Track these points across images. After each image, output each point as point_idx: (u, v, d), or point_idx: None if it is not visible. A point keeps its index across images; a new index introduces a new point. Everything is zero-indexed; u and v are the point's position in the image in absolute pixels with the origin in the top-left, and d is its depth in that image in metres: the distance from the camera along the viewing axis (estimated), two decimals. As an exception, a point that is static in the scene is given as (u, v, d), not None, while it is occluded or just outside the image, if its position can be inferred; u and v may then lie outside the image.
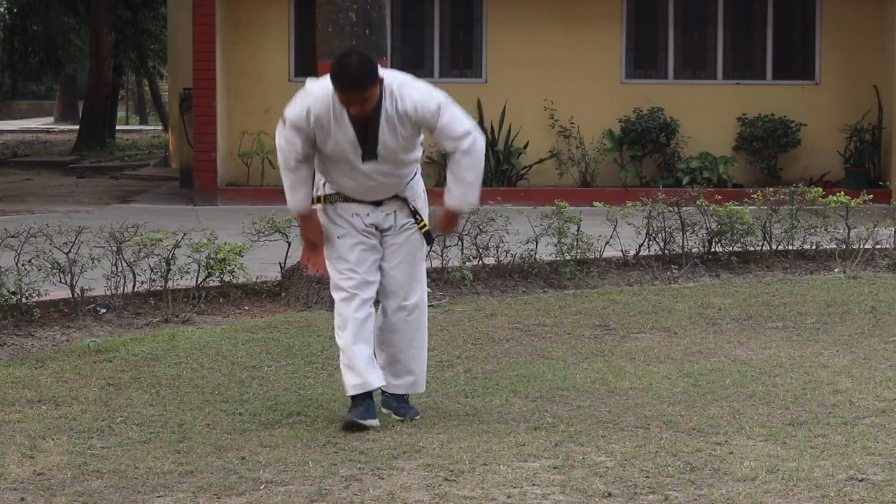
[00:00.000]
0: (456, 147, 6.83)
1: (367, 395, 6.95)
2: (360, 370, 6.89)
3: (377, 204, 7.03)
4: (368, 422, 6.84)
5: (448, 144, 6.84)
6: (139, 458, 6.32)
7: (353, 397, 6.96)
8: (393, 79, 6.82)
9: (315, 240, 7.02)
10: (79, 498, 5.76)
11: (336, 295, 6.99)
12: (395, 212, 7.06)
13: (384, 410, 7.15)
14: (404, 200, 7.06)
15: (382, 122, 6.78)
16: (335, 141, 6.81)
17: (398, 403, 7.13)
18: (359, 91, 6.63)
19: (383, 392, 7.16)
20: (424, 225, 7.04)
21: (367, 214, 7.02)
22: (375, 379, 6.94)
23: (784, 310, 10.36)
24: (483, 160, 6.90)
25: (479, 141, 6.86)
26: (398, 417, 7.05)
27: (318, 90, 6.80)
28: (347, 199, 7.01)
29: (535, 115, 20.12)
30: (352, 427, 6.81)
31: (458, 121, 6.83)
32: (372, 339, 7.01)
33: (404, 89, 6.79)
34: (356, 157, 6.85)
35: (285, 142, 6.88)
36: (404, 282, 7.06)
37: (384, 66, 11.12)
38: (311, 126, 6.79)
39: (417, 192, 7.13)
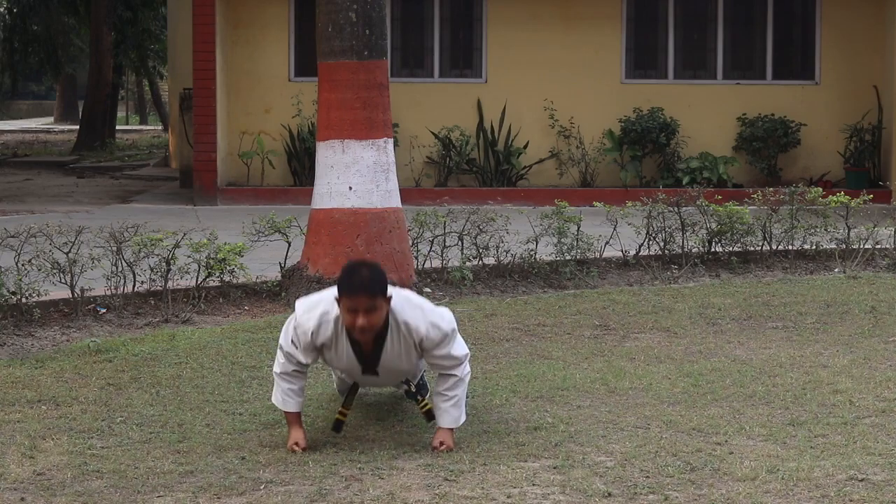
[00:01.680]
0: (448, 373, 6.63)
1: None
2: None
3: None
4: None
5: (441, 369, 6.65)
6: (139, 458, 6.32)
7: None
8: (401, 309, 6.51)
9: (299, 445, 6.62)
10: (79, 498, 5.75)
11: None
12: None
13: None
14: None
15: (387, 348, 6.54)
16: (339, 358, 6.62)
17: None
18: (366, 297, 6.32)
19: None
20: (426, 404, 6.82)
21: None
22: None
23: (784, 310, 10.36)
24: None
25: (468, 368, 6.71)
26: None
27: (324, 314, 6.51)
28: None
29: (535, 115, 20.12)
30: None
31: (456, 351, 6.63)
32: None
33: (411, 322, 6.50)
34: (357, 370, 6.69)
35: (287, 360, 6.63)
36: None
37: (384, 66, 11.16)
38: (316, 348, 6.58)
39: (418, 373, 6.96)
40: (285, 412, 6.68)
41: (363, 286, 6.31)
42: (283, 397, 6.67)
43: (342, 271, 6.45)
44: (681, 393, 7.67)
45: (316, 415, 7.18)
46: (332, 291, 6.51)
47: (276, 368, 6.69)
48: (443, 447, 6.51)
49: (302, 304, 6.61)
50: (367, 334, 6.42)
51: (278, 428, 6.89)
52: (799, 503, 5.66)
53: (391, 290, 6.46)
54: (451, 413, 6.61)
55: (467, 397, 7.59)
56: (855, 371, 8.20)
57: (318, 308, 6.52)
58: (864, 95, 20.04)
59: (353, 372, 6.70)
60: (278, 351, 6.69)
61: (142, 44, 36.06)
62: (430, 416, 6.79)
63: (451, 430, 6.63)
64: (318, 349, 6.56)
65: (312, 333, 6.50)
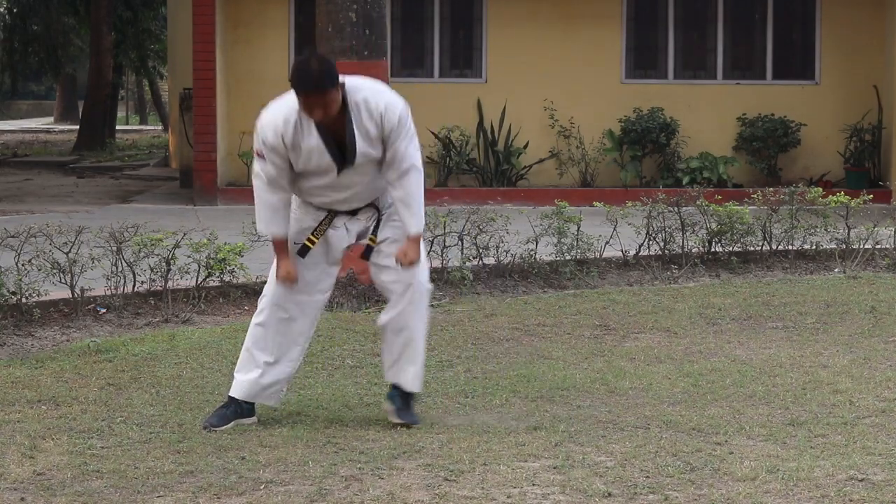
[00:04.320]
0: (403, 172, 6.80)
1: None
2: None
3: (353, 213, 6.97)
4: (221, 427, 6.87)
5: (394, 170, 6.79)
6: (139, 458, 6.32)
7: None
8: (354, 86, 6.72)
9: (290, 275, 6.82)
10: (79, 498, 5.75)
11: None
12: (366, 218, 7.00)
13: (387, 407, 7.08)
14: (376, 209, 6.98)
15: (356, 127, 6.68)
16: (308, 156, 6.70)
17: (403, 403, 7.06)
18: (320, 94, 6.54)
19: (392, 386, 7.10)
20: (373, 239, 6.94)
21: (341, 226, 6.96)
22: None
23: (784, 310, 10.35)
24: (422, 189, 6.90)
25: (421, 173, 6.88)
26: (397, 420, 6.99)
27: (279, 110, 6.69)
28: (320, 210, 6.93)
29: (535, 115, 20.12)
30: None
31: (413, 141, 6.80)
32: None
33: (370, 98, 6.69)
34: (332, 168, 6.74)
35: (263, 172, 6.73)
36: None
37: (384, 66, 11.16)
38: (286, 147, 6.67)
39: (386, 204, 7.03)
40: (272, 240, 6.77)
41: (312, 83, 6.52)
42: (267, 218, 6.76)
43: (293, 68, 6.64)
44: (681, 393, 7.67)
45: (316, 415, 7.19)
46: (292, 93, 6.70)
47: (258, 186, 6.77)
48: (406, 259, 6.69)
49: (265, 109, 6.75)
50: (327, 119, 6.60)
51: (278, 428, 6.90)
52: (799, 503, 5.66)
53: (343, 78, 6.63)
54: (417, 216, 6.82)
55: (467, 397, 7.60)
56: (855, 371, 8.20)
57: (280, 107, 6.68)
58: (864, 95, 20.04)
59: (329, 172, 6.75)
60: (254, 163, 6.78)
61: (142, 44, 36.06)
62: (368, 251, 6.96)
63: (417, 239, 6.79)
64: (287, 149, 6.65)
65: (280, 131, 6.64)
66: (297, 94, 6.59)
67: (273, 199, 6.78)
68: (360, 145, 6.71)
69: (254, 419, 7.02)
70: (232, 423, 6.91)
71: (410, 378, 7.04)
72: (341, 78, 6.64)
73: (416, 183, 6.85)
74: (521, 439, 6.63)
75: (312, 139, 6.68)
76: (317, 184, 6.82)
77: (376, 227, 6.97)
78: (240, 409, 6.98)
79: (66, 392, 7.67)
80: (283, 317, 6.95)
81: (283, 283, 6.78)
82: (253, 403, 7.04)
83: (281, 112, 6.70)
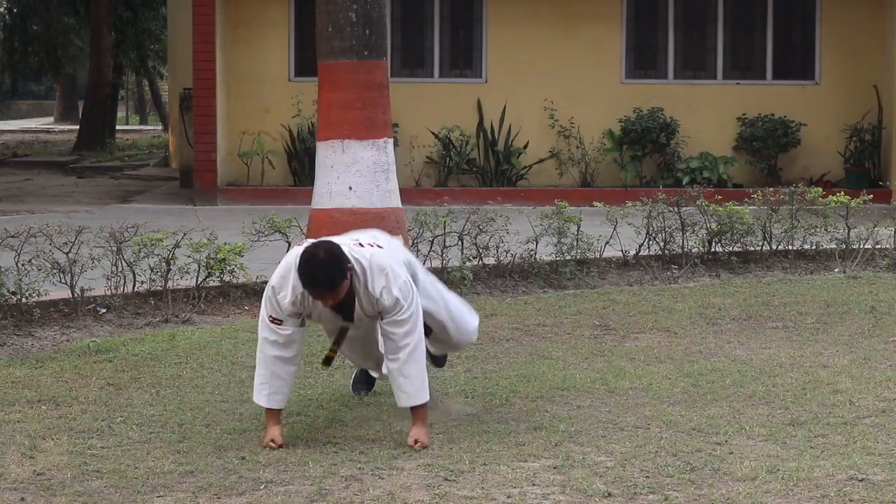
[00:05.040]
0: (393, 346, 6.68)
1: None
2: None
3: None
4: None
5: (387, 345, 6.73)
6: (139, 458, 6.32)
7: None
8: (361, 269, 6.60)
9: (275, 442, 6.64)
10: (79, 498, 5.75)
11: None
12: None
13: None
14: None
15: (357, 306, 6.67)
16: (318, 317, 6.78)
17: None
18: (330, 291, 6.48)
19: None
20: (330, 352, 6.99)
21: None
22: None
23: (784, 310, 10.36)
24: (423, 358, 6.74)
25: (417, 334, 6.69)
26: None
27: (289, 285, 6.60)
28: None
29: (535, 115, 20.12)
30: None
31: (403, 325, 6.66)
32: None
33: (371, 278, 6.60)
34: (339, 319, 6.83)
35: (278, 336, 6.67)
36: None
37: (384, 66, 11.16)
38: (301, 312, 6.68)
39: None
40: (266, 408, 6.70)
41: (321, 284, 6.47)
42: (268, 390, 6.69)
43: (300, 264, 6.50)
44: (681, 393, 7.67)
45: (316, 414, 7.19)
46: (290, 259, 6.63)
47: (268, 353, 6.69)
48: (417, 445, 6.54)
49: (275, 275, 6.69)
50: (334, 305, 6.61)
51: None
52: (799, 503, 5.66)
53: (354, 255, 6.56)
54: (402, 394, 6.65)
55: (467, 397, 7.60)
56: (855, 371, 8.20)
57: (288, 279, 6.61)
58: (864, 95, 20.04)
59: (335, 323, 6.86)
60: (261, 327, 6.72)
61: (142, 44, 36.05)
62: (327, 362, 7.02)
63: (424, 420, 6.63)
64: (299, 314, 6.67)
65: (288, 301, 6.61)
66: (305, 287, 6.52)
67: (278, 368, 6.69)
68: (361, 315, 6.73)
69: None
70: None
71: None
72: (348, 253, 6.54)
73: (405, 359, 6.65)
74: (521, 439, 6.63)
75: (318, 307, 6.68)
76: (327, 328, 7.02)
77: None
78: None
79: (66, 392, 7.67)
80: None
81: (266, 447, 6.66)
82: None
83: (290, 287, 6.59)
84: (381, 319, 6.67)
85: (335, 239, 6.74)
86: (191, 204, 19.03)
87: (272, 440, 6.60)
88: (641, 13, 20.54)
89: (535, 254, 11.83)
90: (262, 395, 6.73)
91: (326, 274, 6.46)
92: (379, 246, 6.74)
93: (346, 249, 6.58)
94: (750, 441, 6.61)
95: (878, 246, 12.73)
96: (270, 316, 6.67)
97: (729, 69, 20.52)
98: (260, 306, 6.78)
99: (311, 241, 6.69)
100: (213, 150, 19.19)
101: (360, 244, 6.69)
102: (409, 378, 6.63)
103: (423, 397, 6.64)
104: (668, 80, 20.47)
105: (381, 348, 6.97)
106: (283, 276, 6.65)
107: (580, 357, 8.70)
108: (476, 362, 8.54)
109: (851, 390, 7.67)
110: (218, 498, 5.76)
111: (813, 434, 6.73)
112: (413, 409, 6.66)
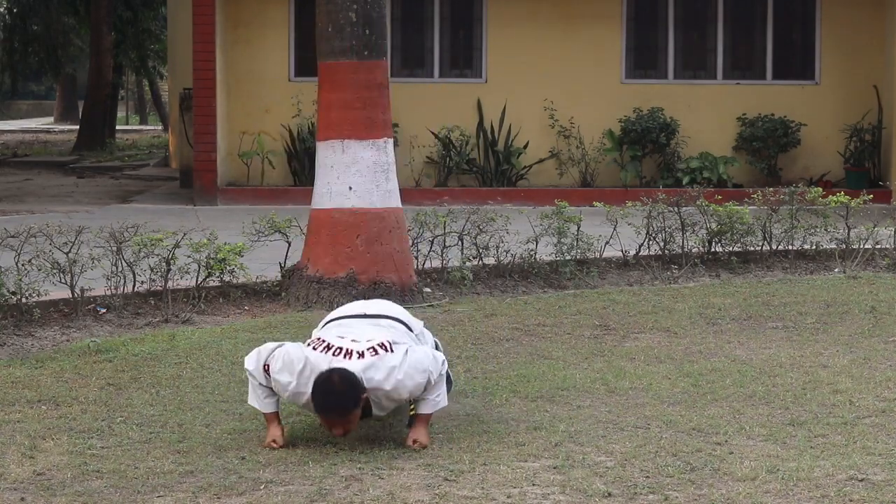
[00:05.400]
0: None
1: None
2: None
3: None
4: None
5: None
6: (139, 458, 6.32)
7: None
8: (373, 388, 6.52)
9: (277, 442, 6.66)
10: (79, 498, 5.75)
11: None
12: None
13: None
14: None
15: (373, 407, 6.63)
16: None
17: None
18: (340, 417, 6.45)
19: None
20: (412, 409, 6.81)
21: None
22: None
23: (784, 310, 10.35)
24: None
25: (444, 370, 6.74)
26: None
27: (300, 388, 6.54)
28: None
29: (535, 115, 20.12)
30: None
31: (435, 391, 6.68)
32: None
33: (393, 395, 6.55)
34: None
35: (267, 385, 6.66)
36: None
37: (384, 66, 11.16)
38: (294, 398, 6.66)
39: None
40: (266, 412, 6.71)
41: (335, 409, 6.42)
42: (261, 399, 6.70)
43: (314, 388, 6.42)
44: (681, 393, 7.67)
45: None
46: (304, 354, 6.54)
47: (255, 379, 6.68)
48: (416, 445, 6.52)
49: (281, 366, 6.58)
50: (346, 434, 6.54)
51: (278, 428, 6.89)
52: (799, 503, 5.66)
53: (366, 376, 6.43)
54: (427, 401, 6.64)
55: (467, 397, 7.61)
56: (855, 371, 8.20)
57: (298, 377, 6.52)
58: (864, 95, 20.04)
59: None
60: (250, 367, 6.70)
61: (142, 44, 36.05)
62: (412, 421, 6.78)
63: (426, 423, 6.63)
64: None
65: (289, 387, 6.56)
66: (320, 415, 6.50)
67: (268, 397, 6.71)
68: (377, 413, 6.70)
69: None
70: None
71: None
72: (361, 378, 6.45)
73: (435, 398, 6.70)
74: (521, 439, 6.63)
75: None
76: None
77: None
78: None
79: (66, 392, 7.67)
80: None
81: (268, 447, 6.67)
82: None
83: (301, 382, 6.54)
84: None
85: (341, 335, 6.63)
86: (191, 204, 19.03)
87: (273, 441, 6.61)
88: (641, 13, 20.54)
89: (535, 254, 11.83)
90: (257, 400, 6.74)
91: (339, 402, 6.39)
92: (392, 346, 6.59)
93: (360, 376, 6.43)
94: (750, 441, 6.61)
95: (878, 246, 12.73)
96: (266, 368, 6.64)
97: (729, 69, 20.52)
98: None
99: (320, 357, 6.54)
100: (213, 150, 19.20)
101: (375, 350, 6.53)
102: (437, 403, 6.69)
103: (442, 403, 6.68)
104: (668, 80, 20.48)
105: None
106: (290, 372, 6.56)
107: (580, 357, 8.70)
108: (476, 362, 8.54)
109: (851, 390, 7.66)
110: (218, 498, 5.76)
111: (813, 434, 6.72)
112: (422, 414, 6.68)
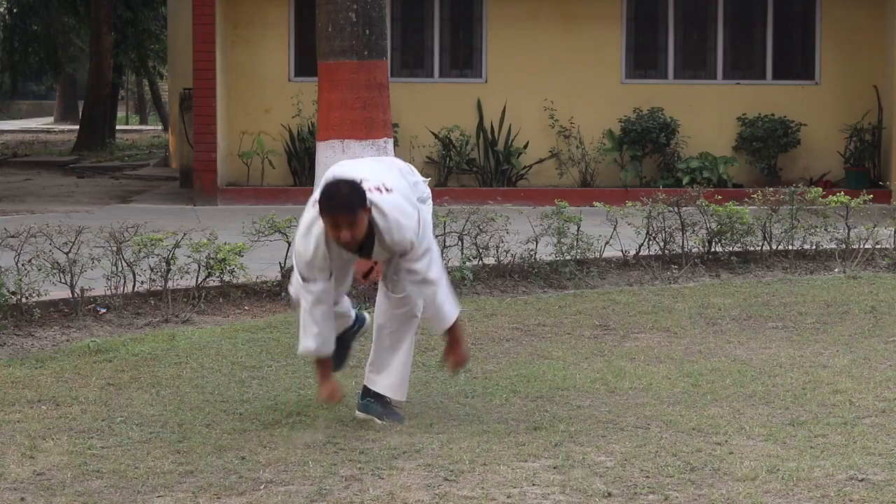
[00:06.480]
0: (420, 284, 6.86)
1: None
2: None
3: None
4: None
5: (411, 279, 6.88)
6: (139, 458, 6.32)
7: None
8: (379, 211, 6.69)
9: (334, 397, 6.84)
10: (79, 498, 5.76)
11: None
12: None
13: (360, 415, 7.09)
14: None
15: (376, 246, 6.78)
16: (338, 259, 6.83)
17: (383, 409, 7.09)
18: (349, 214, 6.55)
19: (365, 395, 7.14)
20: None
21: None
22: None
23: (784, 310, 10.36)
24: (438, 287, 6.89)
25: (436, 269, 6.88)
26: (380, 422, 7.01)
27: (310, 241, 6.72)
28: None
29: (535, 115, 20.12)
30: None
31: (424, 265, 6.84)
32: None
33: (391, 221, 6.71)
34: (354, 258, 6.93)
35: (310, 292, 6.78)
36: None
37: (384, 66, 11.16)
38: (326, 261, 6.76)
39: None
40: (318, 358, 6.80)
41: (342, 205, 6.56)
42: (319, 336, 6.78)
43: (322, 191, 6.65)
44: (681, 393, 7.67)
45: (316, 414, 7.18)
46: (316, 208, 6.70)
47: (304, 308, 6.80)
48: (458, 366, 6.86)
49: (296, 237, 6.83)
50: (352, 245, 6.65)
51: (278, 428, 6.90)
52: (799, 503, 5.66)
53: (374, 196, 6.66)
54: (442, 315, 6.83)
55: (467, 397, 7.61)
56: (855, 371, 8.20)
57: (309, 235, 6.73)
58: (864, 95, 20.04)
59: (351, 261, 6.94)
60: (296, 285, 6.88)
61: (142, 44, 36.05)
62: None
63: (456, 337, 6.86)
64: (326, 268, 6.76)
65: (313, 257, 6.71)
66: (325, 215, 6.59)
67: (321, 314, 6.80)
68: (378, 251, 6.82)
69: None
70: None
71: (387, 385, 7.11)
72: (368, 198, 6.63)
73: (431, 294, 6.85)
74: (521, 439, 6.63)
75: (338, 253, 6.77)
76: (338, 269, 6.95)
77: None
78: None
79: (66, 392, 7.67)
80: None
81: (326, 403, 6.75)
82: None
83: (313, 238, 6.70)
84: (402, 258, 6.80)
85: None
86: (191, 204, 19.04)
87: (331, 394, 6.72)
88: (641, 13, 20.54)
89: (535, 254, 11.83)
90: (311, 341, 6.79)
91: (346, 199, 6.57)
92: (388, 189, 6.79)
93: (365, 188, 6.65)
94: (750, 441, 6.61)
95: (878, 246, 12.73)
96: (303, 276, 6.79)
97: (729, 69, 20.53)
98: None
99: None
100: (213, 150, 19.21)
101: (370, 191, 6.73)
102: (444, 304, 6.84)
103: (456, 312, 6.89)
104: (668, 80, 20.48)
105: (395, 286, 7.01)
106: (303, 234, 6.75)
107: (580, 357, 8.70)
108: (476, 362, 8.54)
109: (851, 390, 7.67)
110: (218, 498, 5.76)
111: (813, 434, 6.73)
112: (449, 329, 6.88)
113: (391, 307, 7.06)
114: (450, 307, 6.89)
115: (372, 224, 6.68)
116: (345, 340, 7.37)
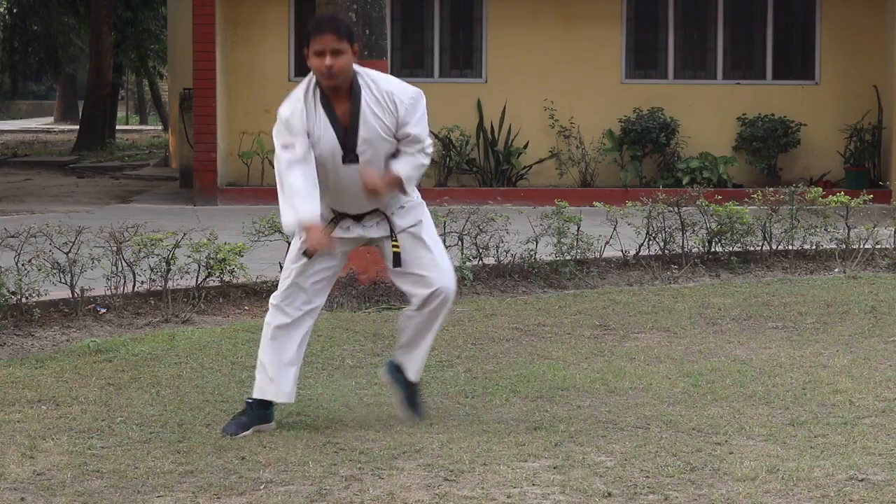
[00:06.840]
0: (416, 150, 6.84)
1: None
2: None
3: (358, 218, 6.94)
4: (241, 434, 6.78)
5: (409, 145, 6.83)
6: (139, 458, 6.32)
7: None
8: (365, 71, 6.87)
9: (324, 248, 6.76)
10: (79, 498, 5.75)
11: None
12: (376, 224, 6.94)
13: (386, 379, 7.12)
14: (383, 214, 6.91)
15: (363, 107, 6.72)
16: (318, 140, 6.72)
17: (409, 392, 7.07)
18: (334, 36, 6.63)
19: (392, 363, 7.12)
20: (396, 245, 6.89)
21: (348, 228, 6.93)
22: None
23: (784, 310, 10.36)
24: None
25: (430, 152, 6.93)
26: (402, 403, 7.00)
27: (293, 96, 6.81)
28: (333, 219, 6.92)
29: (535, 115, 20.13)
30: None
31: (424, 133, 6.84)
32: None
33: (381, 81, 6.83)
34: (338, 157, 6.74)
35: (289, 153, 6.71)
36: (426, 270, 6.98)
37: (384, 66, 11.16)
38: (304, 125, 6.72)
39: (399, 202, 6.95)
40: (304, 225, 6.64)
41: (329, 25, 6.70)
42: (296, 202, 6.66)
43: (311, 20, 6.83)
44: (681, 393, 7.67)
45: (316, 415, 7.18)
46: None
47: (282, 173, 6.73)
48: (367, 178, 6.67)
49: (282, 108, 6.85)
50: (337, 78, 6.66)
51: (278, 428, 6.89)
52: (799, 503, 5.66)
53: (360, 67, 6.79)
54: (404, 166, 6.79)
55: (467, 397, 7.61)
56: (855, 371, 8.20)
57: (291, 96, 6.81)
58: (864, 95, 20.05)
59: (335, 159, 6.74)
60: (277, 160, 6.80)
61: (142, 44, 36.07)
62: (396, 259, 6.87)
63: (393, 179, 6.74)
64: (305, 130, 6.72)
65: (293, 115, 6.74)
66: (313, 38, 6.65)
67: (299, 179, 6.67)
68: (364, 130, 6.72)
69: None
70: None
71: (413, 369, 7.09)
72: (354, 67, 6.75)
73: (418, 167, 6.86)
74: (521, 439, 6.63)
75: (321, 121, 6.72)
76: (325, 177, 6.77)
77: (391, 231, 6.90)
78: None
79: (66, 392, 7.67)
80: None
81: (316, 250, 6.66)
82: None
83: (295, 97, 6.80)
84: (400, 126, 6.74)
85: None
86: (191, 204, 19.04)
87: (317, 244, 6.65)
88: (641, 13, 20.55)
89: (535, 254, 11.83)
90: (290, 211, 6.69)
91: (336, 22, 6.78)
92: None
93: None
94: (750, 441, 6.61)
95: (878, 246, 12.73)
96: (283, 143, 6.75)
97: (729, 69, 20.54)
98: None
99: None
100: (213, 150, 19.21)
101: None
102: (416, 172, 6.85)
103: (416, 179, 6.89)
104: (668, 80, 20.49)
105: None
106: (287, 99, 6.83)
107: (580, 357, 8.70)
108: (476, 362, 8.54)
109: (851, 390, 7.66)
110: (218, 498, 5.76)
111: (813, 434, 6.72)
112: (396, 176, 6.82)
113: (421, 308, 7.00)
114: (416, 176, 6.89)
115: (356, 92, 6.70)
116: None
